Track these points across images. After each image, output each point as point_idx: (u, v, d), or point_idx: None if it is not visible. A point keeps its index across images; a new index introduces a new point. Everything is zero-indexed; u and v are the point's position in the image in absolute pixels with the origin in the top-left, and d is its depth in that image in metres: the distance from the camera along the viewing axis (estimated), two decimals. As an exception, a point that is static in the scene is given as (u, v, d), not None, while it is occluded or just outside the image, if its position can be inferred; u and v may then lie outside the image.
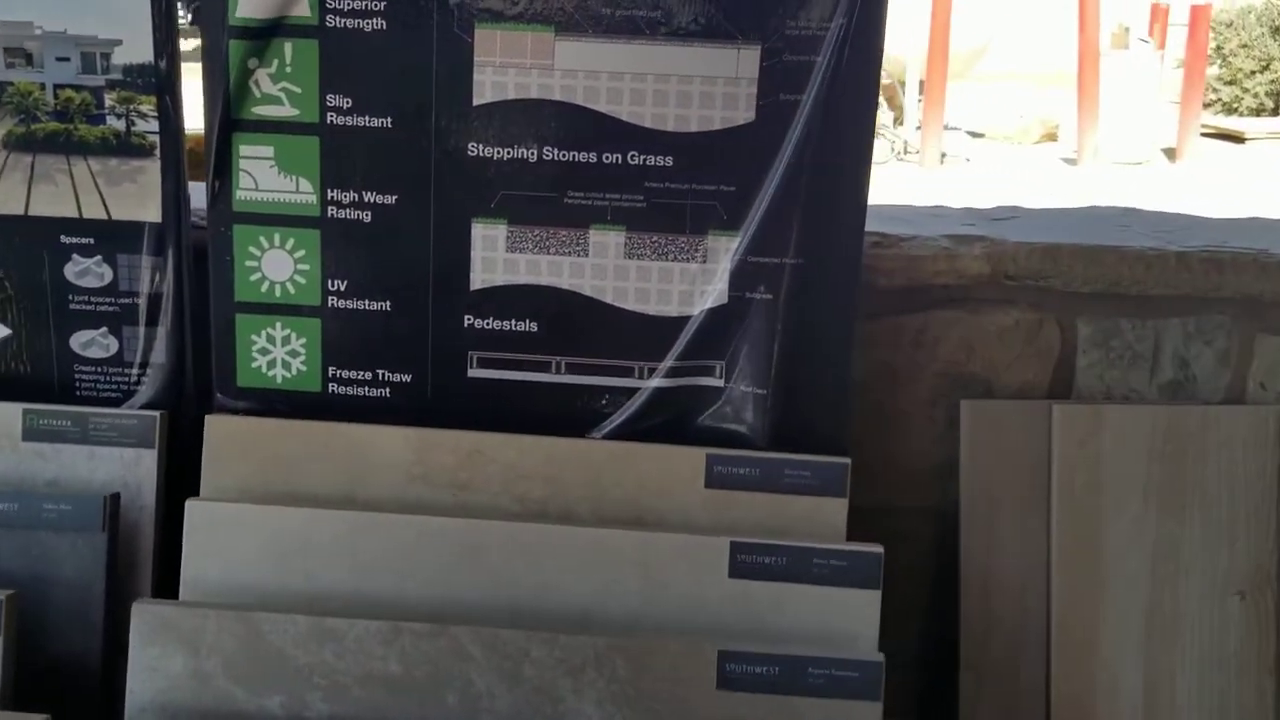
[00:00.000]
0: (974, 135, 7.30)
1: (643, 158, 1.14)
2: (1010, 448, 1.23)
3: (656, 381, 1.18)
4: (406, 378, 1.20)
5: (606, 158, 1.14)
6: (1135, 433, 1.21)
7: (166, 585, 1.15)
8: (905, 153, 6.93)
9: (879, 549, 1.09)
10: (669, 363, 1.18)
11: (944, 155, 6.82)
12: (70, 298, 1.19)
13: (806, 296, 1.16)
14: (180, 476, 1.19)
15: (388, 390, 1.20)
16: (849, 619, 1.07)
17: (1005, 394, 1.26)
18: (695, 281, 1.16)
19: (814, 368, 1.17)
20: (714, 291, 1.17)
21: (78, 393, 1.21)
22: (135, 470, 1.17)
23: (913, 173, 6.52)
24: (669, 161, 1.14)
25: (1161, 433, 1.21)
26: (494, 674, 1.01)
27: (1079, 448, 1.21)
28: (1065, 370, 1.26)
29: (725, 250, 1.16)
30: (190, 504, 1.12)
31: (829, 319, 1.16)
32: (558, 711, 1.00)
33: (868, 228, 1.26)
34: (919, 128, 6.96)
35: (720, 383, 1.19)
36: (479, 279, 1.17)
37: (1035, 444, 1.22)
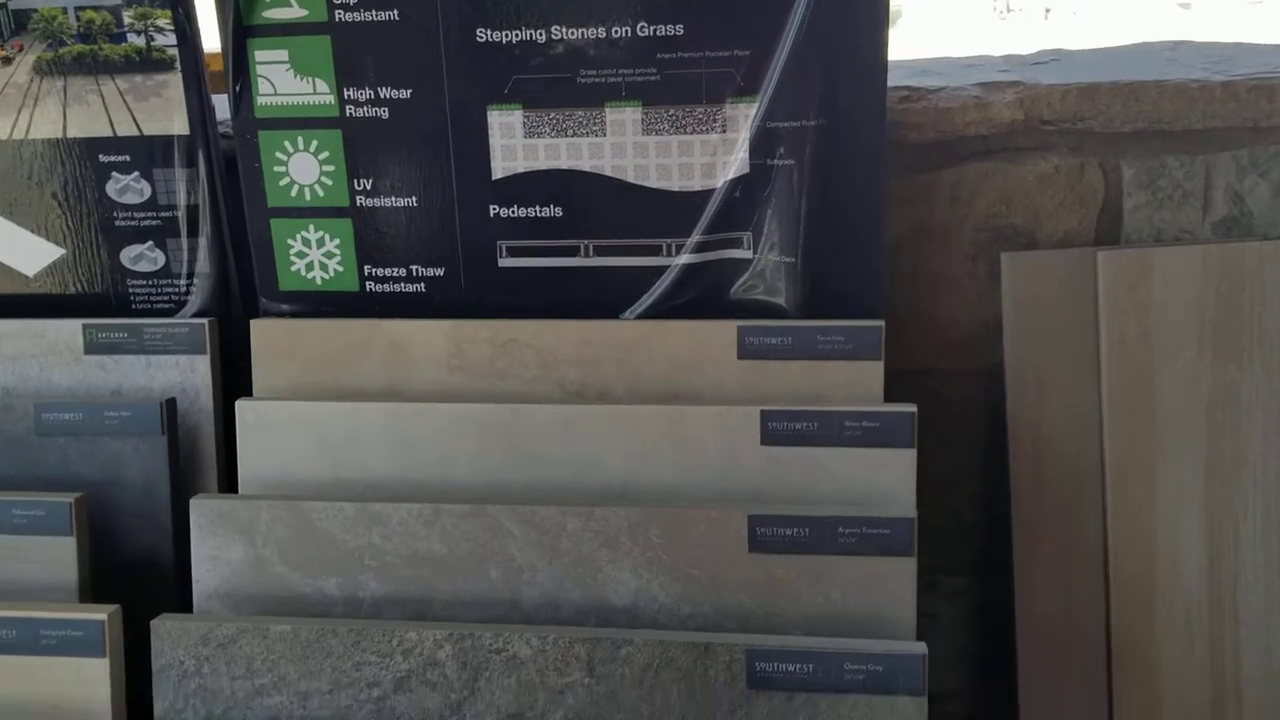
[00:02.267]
0: (1079, -17, 6.93)
1: (652, 28, 1.12)
2: (1056, 300, 1.19)
3: (685, 258, 1.17)
4: (439, 272, 1.22)
5: (615, 31, 1.12)
6: (1187, 274, 1.16)
7: (232, 485, 1.21)
8: (1008, 11, 6.64)
9: (911, 407, 1.08)
10: (696, 238, 1.17)
11: (1048, 10, 6.51)
12: (115, 214, 1.23)
13: (831, 158, 1.13)
14: (234, 380, 1.24)
15: (423, 285, 1.22)
16: (884, 480, 1.07)
17: (1049, 245, 1.22)
18: (716, 153, 1.15)
19: (844, 231, 1.15)
20: (735, 161, 1.15)
21: (132, 306, 1.27)
22: (191, 376, 1.22)
23: (1015, 32, 6.24)
24: (680, 30, 1.12)
25: (1215, 272, 1.15)
26: (533, 548, 1.04)
27: (1128, 294, 1.16)
28: (1111, 216, 1.21)
29: (744, 118, 1.13)
30: (241, 404, 1.16)
31: (856, 179, 1.14)
32: (596, 580, 1.03)
33: (898, 82, 1.22)
34: (1019, -18, 6.65)
35: (749, 254, 1.17)
36: (500, 168, 1.18)
37: (1082, 294, 1.18)
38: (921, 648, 0.92)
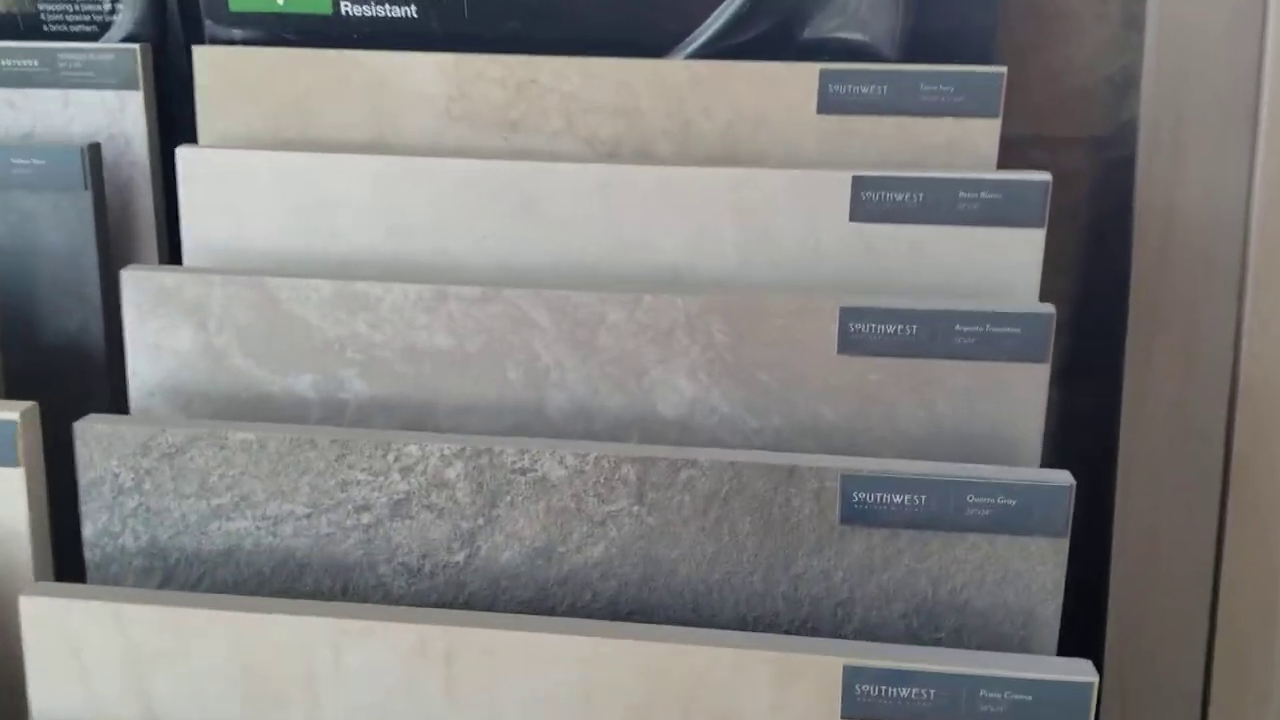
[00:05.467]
0: None
1: None
2: (1212, 39, 0.95)
3: (752, -21, 0.91)
4: (436, -10, 0.95)
5: None
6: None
7: (176, 259, 0.97)
8: None
9: (1045, 175, 0.85)
10: (768, -48, 0.91)
11: None
12: (9, -98, 0.95)
13: None
14: (173, 127, 0.98)
15: (414, 9, 0.96)
16: (1004, 269, 0.85)
17: (1207, -19, 0.97)
18: None
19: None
20: None
21: (45, 28, 0.99)
22: (120, 118, 0.96)
23: None
24: None
25: None
26: (564, 344, 0.82)
27: (1306, 37, 0.92)
28: (1293, -57, 0.95)
29: None
30: (184, 151, 0.92)
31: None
32: (642, 386, 0.82)
33: None
34: None
35: (835, -25, 0.91)
36: None
37: (1245, 35, 0.94)
38: (1065, 477, 0.73)
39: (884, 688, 0.65)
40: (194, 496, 0.78)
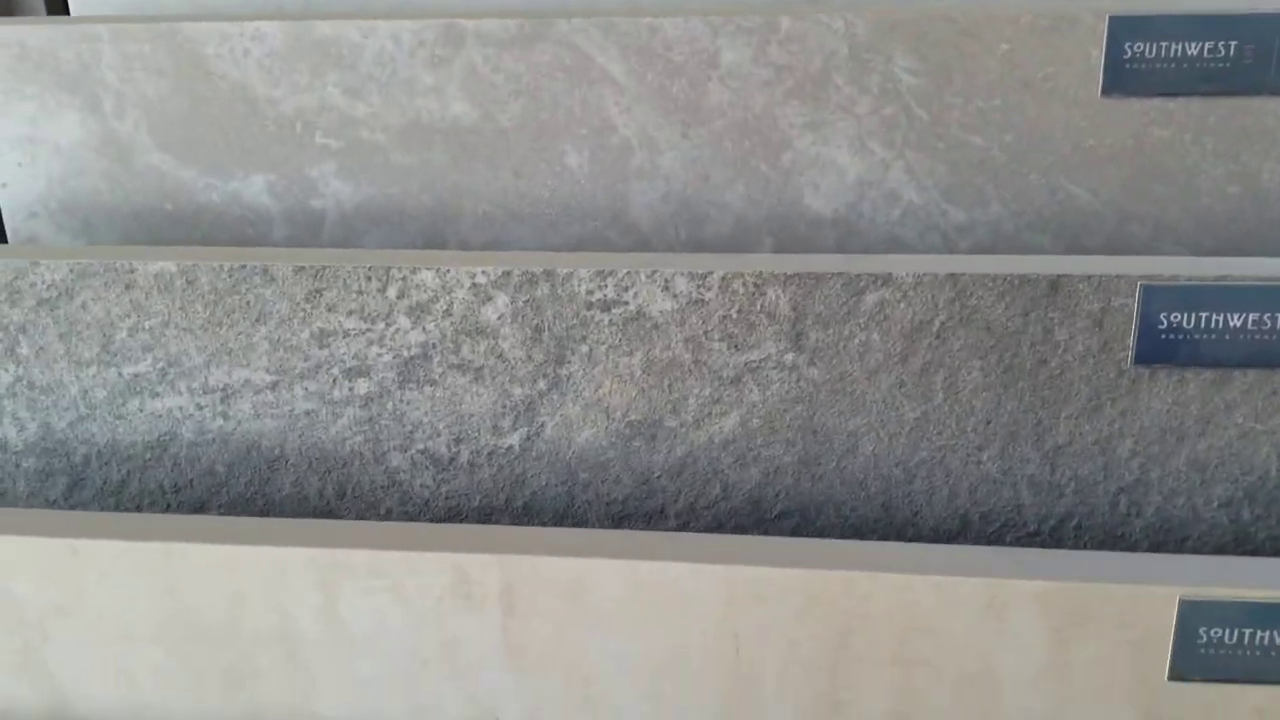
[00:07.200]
0: None
1: None
2: None
3: None
4: None
5: None
6: None
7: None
8: None
9: None
10: None
11: None
12: None
13: None
14: None
15: None
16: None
17: None
18: None
19: None
20: None
21: None
22: None
23: None
24: None
25: None
26: (651, 105, 0.53)
27: None
28: None
29: None
30: None
31: None
32: (778, 164, 0.53)
33: None
34: None
35: None
36: None
37: None
38: None
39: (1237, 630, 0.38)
40: (96, 363, 0.50)
